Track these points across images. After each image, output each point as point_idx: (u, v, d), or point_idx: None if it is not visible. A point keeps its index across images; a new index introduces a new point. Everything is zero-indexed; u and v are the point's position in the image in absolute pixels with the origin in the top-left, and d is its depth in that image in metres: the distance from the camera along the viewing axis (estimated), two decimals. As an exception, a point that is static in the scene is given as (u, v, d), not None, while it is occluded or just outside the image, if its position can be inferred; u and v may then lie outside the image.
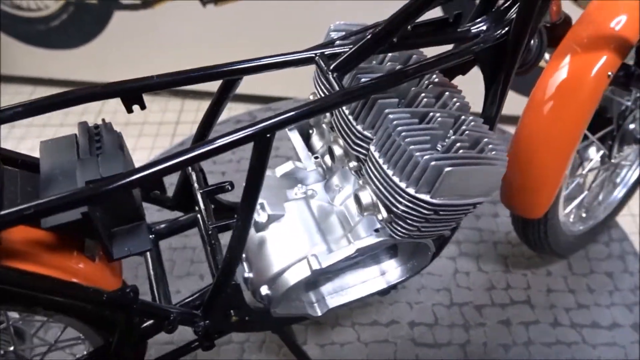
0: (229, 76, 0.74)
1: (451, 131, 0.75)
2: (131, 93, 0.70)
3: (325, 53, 0.74)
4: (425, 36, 0.75)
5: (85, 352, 0.89)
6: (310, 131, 0.92)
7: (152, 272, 0.87)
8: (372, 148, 0.73)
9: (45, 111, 0.69)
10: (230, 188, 0.88)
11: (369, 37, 0.70)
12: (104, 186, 0.59)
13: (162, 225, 0.95)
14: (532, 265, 1.27)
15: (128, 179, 0.60)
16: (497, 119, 0.80)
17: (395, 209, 0.71)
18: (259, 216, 0.80)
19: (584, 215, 1.23)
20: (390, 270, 0.90)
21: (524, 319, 1.18)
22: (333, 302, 0.88)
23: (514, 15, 0.73)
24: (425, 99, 0.75)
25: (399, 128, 0.69)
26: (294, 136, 0.91)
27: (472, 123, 0.74)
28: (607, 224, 1.29)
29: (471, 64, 0.80)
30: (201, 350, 0.83)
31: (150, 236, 0.93)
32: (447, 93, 0.78)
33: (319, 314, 0.86)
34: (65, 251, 0.69)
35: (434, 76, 0.79)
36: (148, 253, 0.90)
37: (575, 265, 1.28)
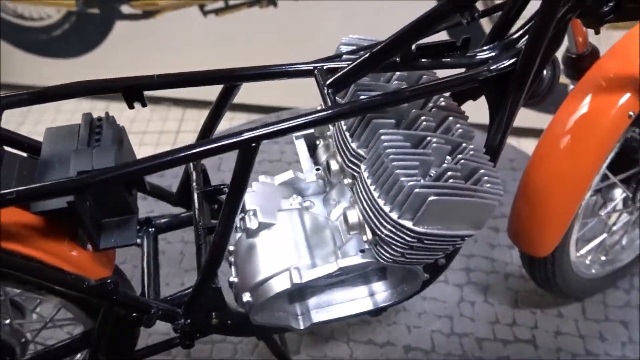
0: (228, 81, 0.75)
1: (449, 158, 0.73)
2: (132, 89, 0.72)
3: (325, 67, 0.73)
4: (430, 58, 0.73)
5: (78, 333, 0.92)
6: (317, 142, 0.92)
7: (145, 265, 0.90)
8: (362, 167, 0.73)
9: (50, 100, 0.73)
10: (226, 190, 0.89)
11: (367, 55, 0.69)
12: (85, 179, 0.61)
13: (163, 220, 0.97)
14: (542, 303, 1.22)
15: (108, 175, 0.61)
16: (501, 150, 0.77)
17: (379, 232, 0.70)
18: (250, 222, 0.81)
19: (603, 258, 1.17)
20: (379, 292, 0.88)
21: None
22: (318, 317, 0.87)
23: (524, 46, 0.70)
24: (424, 122, 0.74)
25: (389, 150, 0.68)
26: (300, 145, 0.91)
27: (471, 152, 0.72)
28: (629, 270, 1.22)
29: (482, 90, 0.78)
30: (181, 347, 0.85)
31: (150, 229, 0.95)
32: (450, 118, 0.76)
33: (302, 327, 0.86)
34: (54, 236, 0.71)
35: (441, 99, 0.77)
36: (145, 246, 0.93)
37: (589, 309, 1.21)
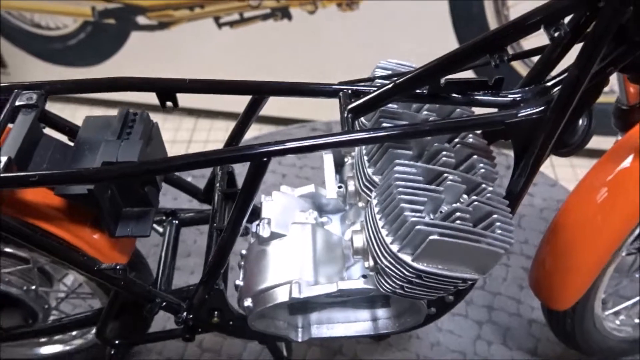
0: (255, 93, 0.77)
1: (465, 197, 0.71)
2: (165, 90, 0.76)
3: (350, 91, 0.74)
4: (460, 94, 0.72)
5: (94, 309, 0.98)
6: (345, 159, 0.93)
7: (162, 255, 0.94)
8: (373, 194, 0.72)
9: (92, 91, 0.78)
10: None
11: (392, 84, 0.69)
12: (103, 171, 0.65)
13: (188, 214, 1.01)
14: (564, 357, 1.16)
15: (126, 170, 0.65)
16: (522, 197, 0.75)
17: (379, 262, 0.70)
18: (263, 230, 0.83)
19: (637, 321, 1.10)
20: (381, 319, 0.87)
21: (536, 412, 1.08)
22: (317, 332, 0.87)
23: (556, 95, 0.67)
24: (444, 158, 0.72)
25: (398, 182, 0.67)
26: (328, 160, 0.91)
27: (489, 195, 0.70)
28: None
29: (509, 133, 0.75)
30: (181, 339, 0.88)
31: (174, 221, 0.99)
32: (475, 157, 0.74)
33: (299, 340, 0.87)
34: (75, 218, 0.76)
35: (469, 136, 0.75)
36: (166, 236, 0.97)
37: (615, 372, 1.14)
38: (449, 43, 1.46)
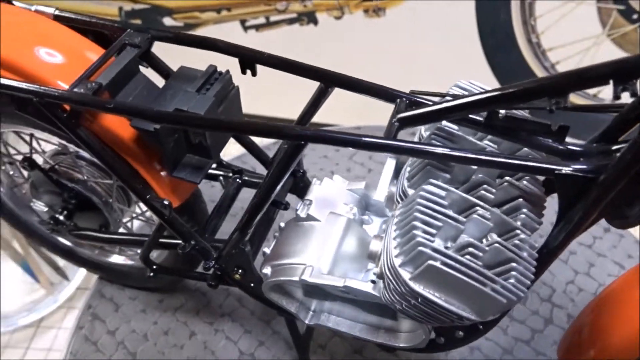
0: (323, 81, 0.80)
1: (494, 236, 0.69)
2: (246, 58, 0.83)
3: (409, 100, 0.74)
4: (517, 130, 0.69)
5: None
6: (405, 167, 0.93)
7: (218, 205, 1.02)
8: (399, 205, 0.72)
9: (184, 44, 0.87)
10: (301, 172, 0.96)
11: (447, 104, 0.68)
12: (165, 115, 0.74)
13: (253, 178, 1.08)
14: None
15: (183, 119, 0.73)
16: (556, 254, 0.70)
17: (384, 270, 0.70)
18: (301, 210, 0.87)
19: None
20: (384, 330, 0.87)
21: None
22: (325, 321, 0.90)
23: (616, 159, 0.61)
24: (483, 191, 0.70)
25: (420, 200, 0.67)
26: (389, 164, 0.92)
27: (517, 242, 0.67)
28: None
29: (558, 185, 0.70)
30: (207, 284, 0.96)
31: (238, 180, 1.07)
32: (520, 200, 0.71)
33: (306, 322, 0.90)
34: (146, 152, 0.86)
35: (526, 178, 0.72)
36: (227, 191, 1.05)
37: None
38: (474, 51, 1.41)
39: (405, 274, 0.66)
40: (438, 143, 0.73)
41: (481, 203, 0.68)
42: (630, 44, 1.23)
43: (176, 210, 0.93)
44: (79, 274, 1.43)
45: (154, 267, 1.01)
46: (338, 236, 0.84)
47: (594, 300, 0.84)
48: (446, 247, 0.67)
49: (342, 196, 0.90)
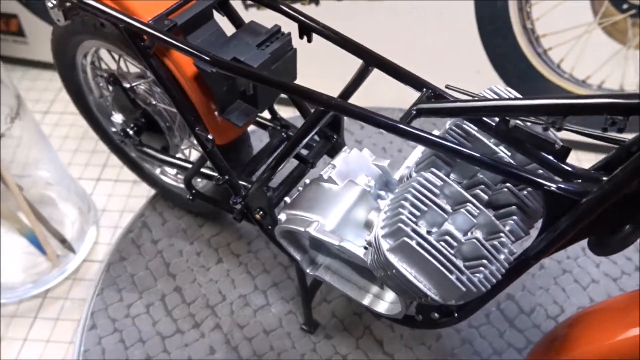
0: (364, 59, 0.87)
1: (478, 233, 0.74)
2: (305, 25, 0.91)
3: (434, 92, 0.79)
4: (523, 142, 0.73)
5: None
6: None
7: (259, 152, 1.13)
8: (399, 185, 0.79)
9: (255, 1, 0.96)
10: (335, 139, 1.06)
11: (464, 104, 0.73)
12: (218, 61, 0.85)
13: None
14: None
15: (226, 69, 0.84)
16: (530, 265, 0.74)
17: (372, 239, 0.78)
18: (324, 172, 0.95)
19: None
20: (370, 294, 0.96)
21: None
22: (323, 274, 1.00)
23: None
24: (479, 191, 0.75)
25: (414, 184, 0.74)
26: (417, 149, 0.98)
27: (496, 244, 0.72)
28: None
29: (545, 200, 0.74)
30: (232, 217, 1.08)
31: (283, 134, 1.17)
32: (514, 207, 0.76)
33: (307, 271, 1.00)
34: (205, 90, 0.98)
35: (528, 189, 0.76)
36: (271, 142, 1.16)
37: None
38: (471, 36, 1.45)
39: (385, 245, 0.74)
40: (450, 137, 0.78)
41: (473, 200, 0.74)
42: (619, 33, 1.27)
43: (222, 147, 1.05)
44: (85, 247, 1.44)
45: (193, 191, 1.15)
46: (349, 202, 0.92)
47: (573, 316, 0.87)
48: (429, 232, 0.74)
49: (364, 168, 0.97)
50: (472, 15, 1.41)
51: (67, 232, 1.42)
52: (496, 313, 1.26)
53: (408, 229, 0.71)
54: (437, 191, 0.74)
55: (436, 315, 0.88)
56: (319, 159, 1.10)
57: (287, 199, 1.00)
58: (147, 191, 1.55)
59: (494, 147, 0.79)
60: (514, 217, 0.75)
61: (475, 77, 1.54)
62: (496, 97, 0.83)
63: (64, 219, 1.45)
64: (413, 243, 0.70)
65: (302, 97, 0.82)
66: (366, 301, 0.95)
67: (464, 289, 0.70)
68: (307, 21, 0.90)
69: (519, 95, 0.83)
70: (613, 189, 0.61)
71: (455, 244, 0.71)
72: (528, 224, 0.77)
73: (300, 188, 1.02)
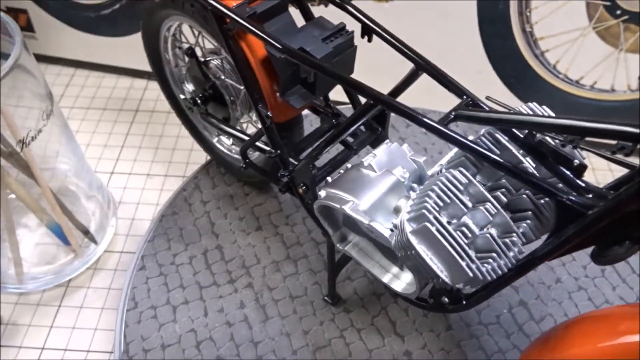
0: (416, 64, 0.97)
1: (493, 231, 0.83)
2: (367, 26, 1.03)
3: (472, 101, 0.89)
4: (545, 155, 0.81)
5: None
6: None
7: (309, 134, 1.25)
8: (430, 177, 0.89)
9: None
10: (379, 131, 1.16)
11: (491, 114, 0.83)
12: (283, 48, 0.97)
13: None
14: None
15: (299, 56, 0.97)
16: (536, 264, 0.83)
17: (398, 222, 0.89)
18: (365, 160, 1.05)
19: None
20: (392, 275, 1.06)
21: None
22: (350, 249, 1.11)
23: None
24: (499, 193, 0.85)
25: (442, 179, 0.84)
26: (452, 150, 1.08)
27: (508, 242, 0.81)
28: None
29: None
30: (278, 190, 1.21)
31: (333, 121, 1.28)
32: (529, 213, 0.84)
33: (337, 245, 1.11)
34: (271, 72, 1.10)
35: (545, 200, 0.85)
36: (321, 126, 1.27)
37: None
38: (473, 38, 1.53)
39: (408, 227, 0.84)
40: (482, 142, 0.88)
41: (492, 200, 0.83)
42: (612, 37, 1.38)
43: (279, 125, 1.17)
44: (106, 238, 1.50)
45: (247, 160, 1.28)
46: (383, 189, 1.01)
47: (570, 320, 0.94)
48: (449, 222, 0.84)
49: (402, 161, 1.07)
50: (474, 18, 1.49)
51: (88, 223, 1.47)
52: (507, 315, 1.34)
53: (430, 216, 0.81)
54: (461, 187, 0.83)
55: (446, 299, 0.98)
56: (362, 147, 1.21)
57: (329, 179, 1.11)
58: (161, 184, 1.65)
59: (520, 156, 0.88)
60: (528, 222, 0.84)
61: (477, 77, 1.61)
62: (530, 112, 0.92)
63: (85, 211, 1.50)
64: (433, 229, 0.80)
65: (355, 90, 0.93)
66: (386, 279, 1.06)
67: (471, 274, 0.80)
68: (370, 23, 1.01)
69: (551, 114, 0.91)
70: (615, 206, 0.70)
71: (470, 235, 0.81)
72: (541, 231, 0.85)
73: (342, 171, 1.13)
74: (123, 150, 1.77)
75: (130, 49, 1.87)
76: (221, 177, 1.63)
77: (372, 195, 1.00)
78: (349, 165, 1.11)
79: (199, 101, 1.37)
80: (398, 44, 0.98)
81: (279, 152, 1.15)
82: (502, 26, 1.48)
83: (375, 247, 1.09)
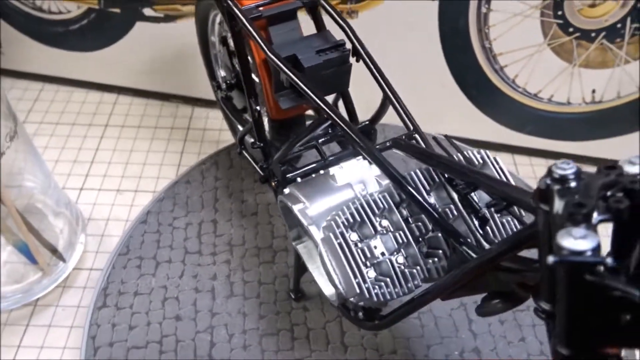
0: (382, 92, 1.04)
1: (399, 256, 0.86)
2: (355, 48, 1.07)
3: (419, 136, 0.98)
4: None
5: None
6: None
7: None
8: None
9: (329, 15, 1.12)
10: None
11: (430, 152, 0.91)
12: (274, 53, 1.02)
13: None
14: None
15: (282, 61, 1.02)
16: (432, 298, 0.84)
17: None
18: (333, 169, 1.06)
19: None
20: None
21: None
22: (301, 251, 1.16)
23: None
24: (414, 227, 0.87)
25: (362, 200, 0.89)
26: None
27: (407, 272, 0.84)
28: None
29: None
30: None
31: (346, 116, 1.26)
32: (440, 252, 0.85)
33: (290, 239, 1.17)
34: (269, 71, 1.12)
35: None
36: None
37: None
38: (435, 52, 1.59)
39: (320, 235, 0.90)
40: (414, 176, 0.89)
41: (405, 230, 0.86)
42: (565, 53, 1.47)
43: (279, 122, 1.23)
44: (75, 256, 1.46)
45: (242, 147, 1.36)
46: (337, 201, 1.01)
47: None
48: (359, 240, 0.87)
49: (367, 179, 1.04)
50: (436, 33, 1.56)
51: (56, 241, 1.45)
52: (456, 358, 1.27)
53: (337, 230, 0.85)
54: (376, 211, 0.87)
55: (361, 315, 1.00)
56: (336, 161, 1.16)
57: (299, 179, 1.11)
58: (131, 200, 1.66)
59: (449, 199, 0.87)
60: (436, 260, 0.86)
61: (441, 91, 1.68)
62: (479, 161, 0.91)
63: (53, 229, 1.47)
64: (335, 241, 0.85)
65: (315, 107, 0.97)
66: (320, 282, 1.11)
67: (358, 291, 0.83)
68: (359, 47, 1.07)
69: (499, 167, 0.90)
70: (488, 260, 0.71)
71: (369, 255, 0.84)
72: (447, 271, 0.87)
73: (314, 175, 1.12)
74: (92, 166, 1.75)
75: (99, 63, 1.87)
76: (239, 160, 1.71)
77: (324, 203, 1.01)
78: (322, 172, 1.11)
79: (223, 85, 1.41)
80: (375, 72, 1.03)
81: (261, 144, 1.20)
82: (462, 42, 1.54)
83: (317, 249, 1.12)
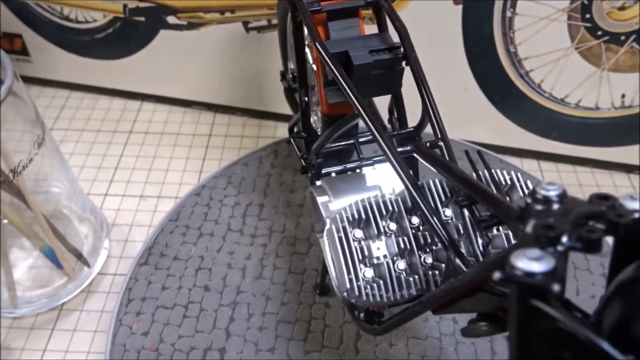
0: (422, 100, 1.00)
1: (400, 260, 0.84)
2: (405, 51, 1.03)
3: (444, 144, 0.95)
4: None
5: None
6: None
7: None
8: None
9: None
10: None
11: (449, 164, 0.85)
12: (324, 47, 1.00)
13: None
14: None
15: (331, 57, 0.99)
16: (422, 310, 0.81)
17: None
18: (366, 169, 1.07)
19: None
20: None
21: None
22: (322, 241, 1.09)
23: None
24: (421, 235, 0.85)
25: (373, 199, 0.87)
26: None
27: (402, 279, 0.82)
28: None
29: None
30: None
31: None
32: (443, 265, 0.82)
33: (316, 232, 1.14)
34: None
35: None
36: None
37: None
38: (459, 58, 1.55)
39: (327, 225, 0.89)
40: (432, 184, 0.87)
41: (410, 237, 0.84)
42: (593, 56, 1.41)
43: (330, 118, 1.18)
44: (99, 261, 1.49)
45: (292, 136, 1.37)
46: (362, 197, 0.98)
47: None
48: (363, 238, 0.85)
49: (397, 183, 1.02)
50: (459, 37, 1.52)
51: (81, 246, 1.47)
52: None
53: (340, 224, 0.85)
54: (384, 213, 0.86)
55: (362, 315, 0.99)
56: (373, 162, 1.15)
57: (334, 174, 1.11)
58: (154, 206, 1.67)
59: (460, 213, 0.85)
60: (436, 272, 0.83)
61: (463, 96, 1.64)
62: (506, 182, 0.86)
63: (78, 234, 1.49)
64: (336, 234, 0.84)
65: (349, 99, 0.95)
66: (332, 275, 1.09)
67: (349, 287, 0.82)
68: (408, 51, 1.03)
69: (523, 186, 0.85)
70: (466, 281, 0.68)
71: (367, 255, 0.83)
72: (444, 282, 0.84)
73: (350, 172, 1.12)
74: (117, 172, 1.78)
75: (124, 71, 1.90)
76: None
77: (348, 200, 1.00)
78: (358, 170, 1.10)
79: (289, 76, 1.42)
80: (420, 79, 1.01)
81: (305, 135, 1.20)
82: (486, 46, 1.51)
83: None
